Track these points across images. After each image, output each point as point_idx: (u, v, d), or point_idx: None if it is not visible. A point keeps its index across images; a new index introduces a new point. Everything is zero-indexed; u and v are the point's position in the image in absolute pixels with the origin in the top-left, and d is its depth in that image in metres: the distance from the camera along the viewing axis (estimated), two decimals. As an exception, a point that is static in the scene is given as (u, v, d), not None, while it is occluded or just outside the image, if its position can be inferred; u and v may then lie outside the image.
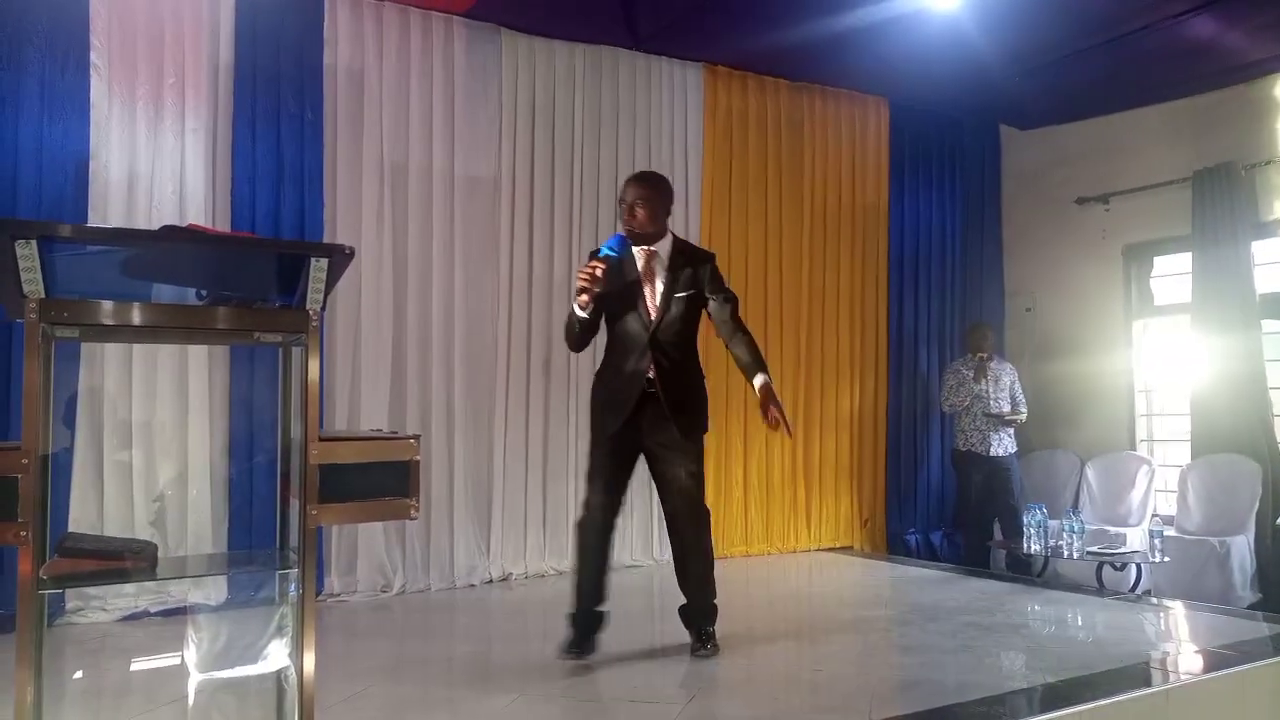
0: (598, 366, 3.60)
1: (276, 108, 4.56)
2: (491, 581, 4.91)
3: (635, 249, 3.43)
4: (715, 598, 3.50)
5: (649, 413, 3.38)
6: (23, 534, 1.66)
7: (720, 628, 3.48)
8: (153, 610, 4.07)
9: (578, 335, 3.40)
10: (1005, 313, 6.92)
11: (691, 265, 3.46)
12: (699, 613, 3.46)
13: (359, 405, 4.68)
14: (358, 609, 4.41)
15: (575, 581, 3.43)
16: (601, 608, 3.42)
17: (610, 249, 3.31)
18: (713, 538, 3.61)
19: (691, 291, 3.43)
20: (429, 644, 3.88)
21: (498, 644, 3.93)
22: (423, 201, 4.95)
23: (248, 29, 4.50)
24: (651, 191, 3.45)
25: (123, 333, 1.94)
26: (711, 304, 3.46)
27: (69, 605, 3.96)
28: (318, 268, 1.92)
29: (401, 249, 4.88)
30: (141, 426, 4.19)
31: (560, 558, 5.08)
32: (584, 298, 3.25)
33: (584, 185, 5.42)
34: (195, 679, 3.19)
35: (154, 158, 4.30)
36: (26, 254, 1.64)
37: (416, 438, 2.03)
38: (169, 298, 2.07)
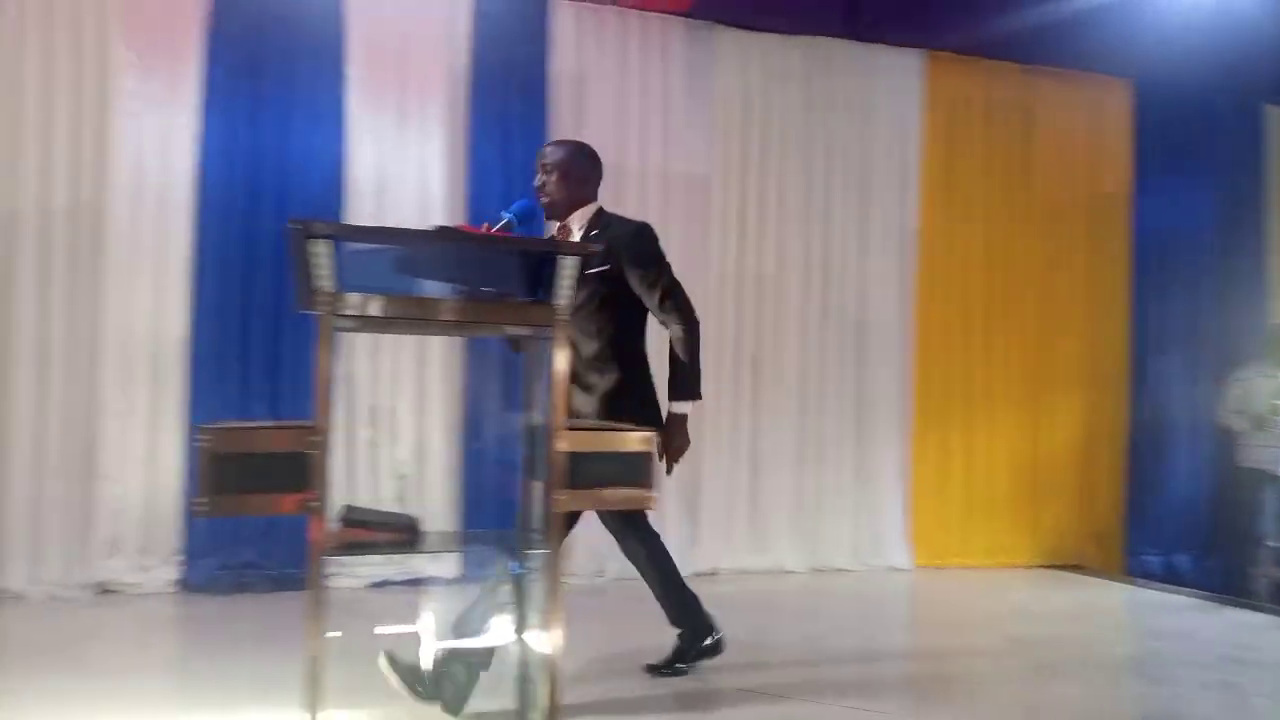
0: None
1: (505, 112, 4.83)
2: (699, 575, 4.97)
3: (551, 223, 3.00)
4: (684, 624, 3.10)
5: None
6: (312, 504, 1.84)
7: (940, 640, 3.32)
8: (395, 579, 4.42)
9: None
10: (1269, 316, 6.18)
11: (608, 237, 2.90)
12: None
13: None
14: (573, 592, 4.58)
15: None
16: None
17: (509, 212, 2.77)
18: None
19: (606, 268, 2.85)
20: (643, 632, 3.97)
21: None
22: (636, 199, 5.06)
23: (481, 38, 4.78)
24: (564, 156, 2.99)
25: (394, 324, 2.10)
26: (631, 281, 2.90)
27: (325, 571, 4.38)
28: (567, 265, 2.00)
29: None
30: (385, 410, 4.56)
31: (767, 554, 5.09)
32: None
33: (795, 179, 5.36)
34: (435, 646, 3.41)
35: (399, 162, 4.66)
36: (320, 252, 1.81)
37: (654, 430, 2.07)
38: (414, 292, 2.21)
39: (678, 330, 2.94)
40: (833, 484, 5.35)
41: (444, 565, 4.41)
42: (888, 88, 5.54)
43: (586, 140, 4.89)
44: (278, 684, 2.92)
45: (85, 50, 4.24)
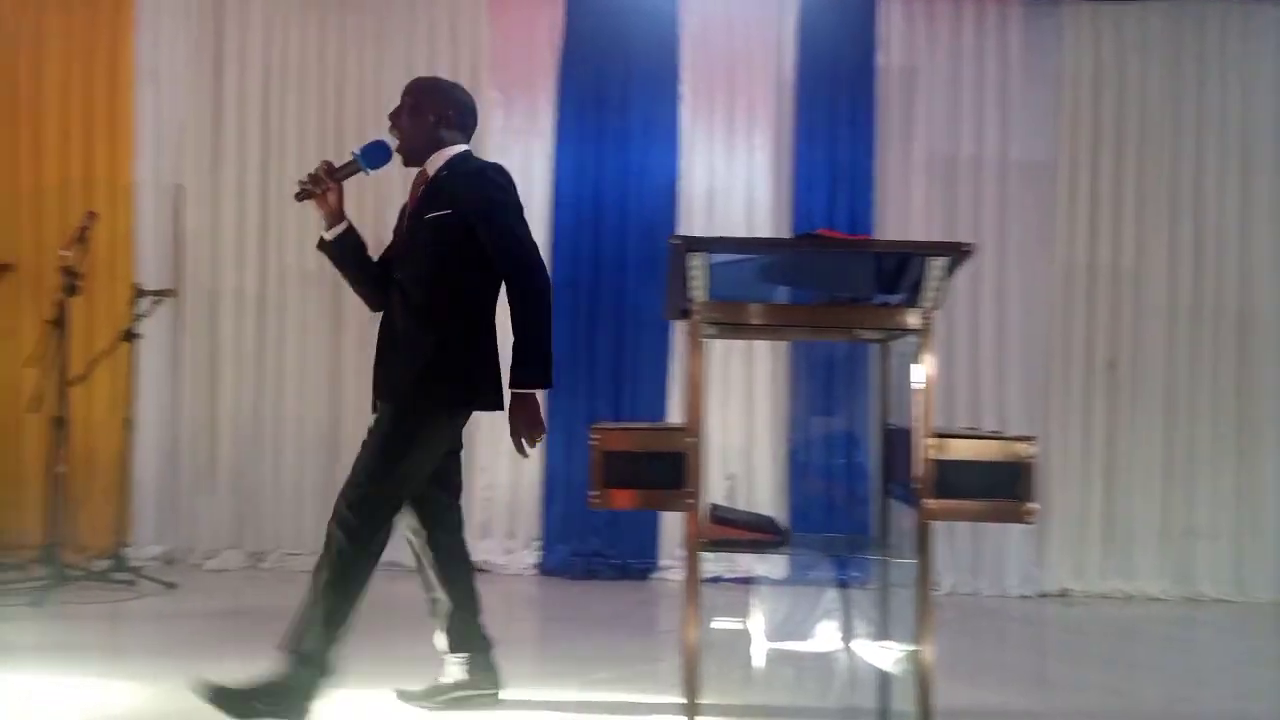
0: None
1: (831, 114, 4.81)
2: (1046, 595, 4.62)
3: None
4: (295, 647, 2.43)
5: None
6: (689, 500, 1.95)
7: None
8: (725, 576, 4.56)
9: (347, 277, 2.65)
10: None
11: (456, 181, 2.52)
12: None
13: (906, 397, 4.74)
14: (906, 603, 4.44)
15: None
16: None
17: (356, 151, 2.55)
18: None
19: (447, 213, 2.48)
20: (980, 647, 3.78)
21: (1053, 660, 3.67)
22: (972, 193, 4.83)
23: (808, 43, 4.80)
24: (415, 90, 2.62)
25: (758, 330, 2.17)
26: (479, 233, 2.48)
27: (661, 564, 4.65)
28: (936, 266, 1.95)
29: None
30: (716, 411, 4.72)
31: (1127, 579, 4.62)
32: (319, 207, 2.53)
33: (1158, 159, 4.80)
34: (768, 646, 3.47)
35: (728, 173, 4.81)
36: (696, 265, 1.92)
37: (1032, 439, 1.96)
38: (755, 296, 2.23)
39: (516, 292, 2.48)
40: (1207, 503, 4.71)
41: (772, 565, 4.48)
42: (1274, 49, 4.80)
43: (918, 136, 4.80)
44: (630, 666, 3.14)
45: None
